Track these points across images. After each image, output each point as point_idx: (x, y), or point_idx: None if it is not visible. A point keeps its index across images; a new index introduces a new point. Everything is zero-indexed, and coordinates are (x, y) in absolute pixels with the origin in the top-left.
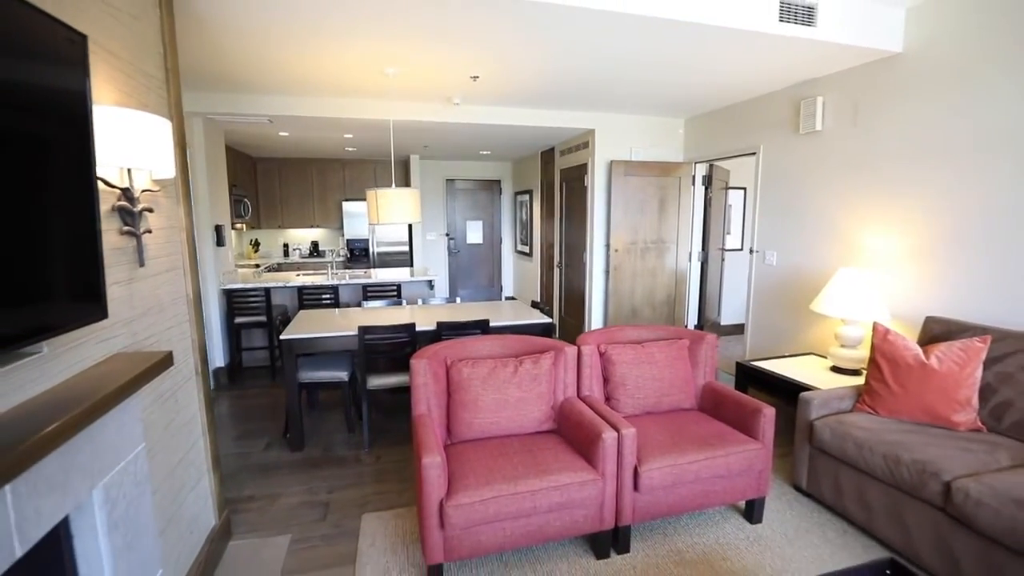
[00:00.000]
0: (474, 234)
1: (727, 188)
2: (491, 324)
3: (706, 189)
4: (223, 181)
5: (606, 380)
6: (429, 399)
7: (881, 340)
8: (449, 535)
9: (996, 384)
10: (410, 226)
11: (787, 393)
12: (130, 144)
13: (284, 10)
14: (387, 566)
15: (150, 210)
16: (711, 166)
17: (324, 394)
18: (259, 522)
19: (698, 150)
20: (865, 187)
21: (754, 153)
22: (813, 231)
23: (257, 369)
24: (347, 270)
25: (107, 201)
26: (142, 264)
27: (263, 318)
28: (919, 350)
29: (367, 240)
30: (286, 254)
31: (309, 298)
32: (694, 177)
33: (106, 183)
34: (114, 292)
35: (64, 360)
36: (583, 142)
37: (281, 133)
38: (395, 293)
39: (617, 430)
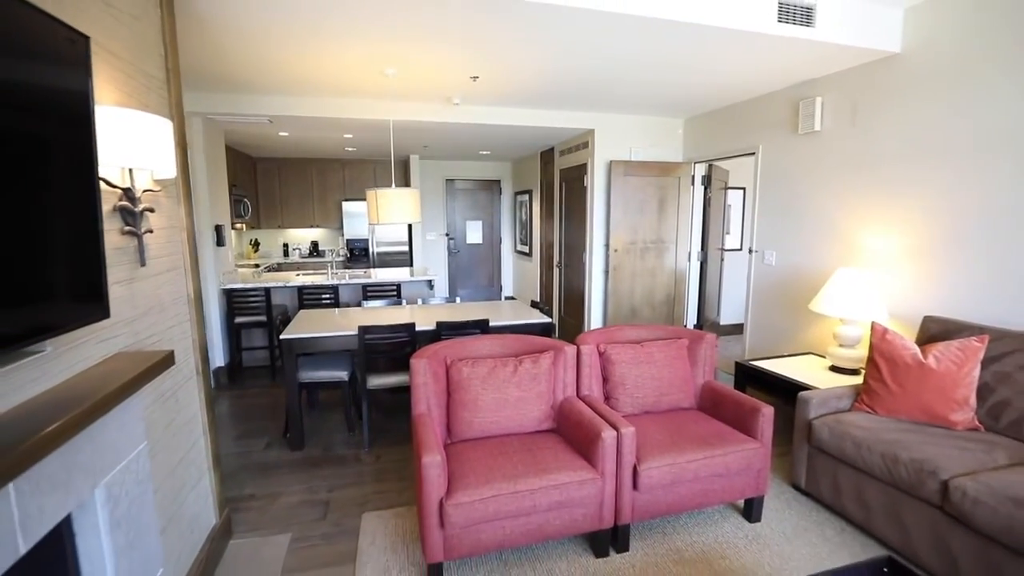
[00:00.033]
0: (474, 234)
1: (726, 188)
2: (491, 324)
3: (705, 189)
4: (223, 181)
5: (605, 379)
6: (429, 398)
7: (879, 340)
8: (449, 534)
9: (994, 383)
10: (410, 226)
11: (786, 392)
12: (131, 144)
13: (284, 10)
14: (387, 564)
15: (151, 210)
16: (710, 166)
17: (324, 394)
18: (259, 521)
19: (697, 150)
20: (864, 187)
21: (753, 153)
22: (812, 231)
23: (257, 369)
24: (347, 270)
25: (109, 201)
26: (143, 264)
27: (263, 318)
28: (917, 349)
29: (367, 240)
30: (286, 254)
31: (309, 298)
32: (693, 177)
33: (108, 183)
34: (116, 292)
35: (66, 359)
36: (583, 142)
37: (281, 133)
38: (395, 293)
39: (616, 429)
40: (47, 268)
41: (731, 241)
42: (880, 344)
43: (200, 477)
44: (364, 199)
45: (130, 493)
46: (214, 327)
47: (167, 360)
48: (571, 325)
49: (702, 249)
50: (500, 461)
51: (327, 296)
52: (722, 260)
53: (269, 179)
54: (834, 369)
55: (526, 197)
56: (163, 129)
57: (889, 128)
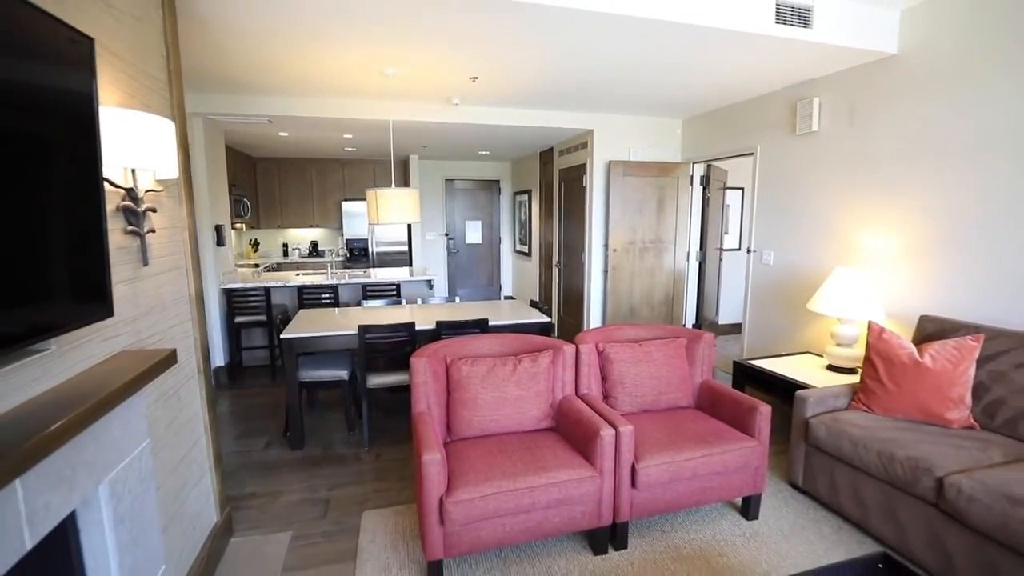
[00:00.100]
0: (473, 234)
1: (725, 188)
2: (490, 323)
3: (704, 189)
4: (223, 181)
5: (604, 378)
6: (429, 397)
7: (876, 339)
8: (449, 531)
9: (989, 382)
10: (409, 226)
11: (784, 391)
12: (134, 145)
13: (286, 11)
14: (387, 562)
15: (153, 210)
16: (709, 166)
17: (324, 393)
18: (260, 519)
19: (696, 150)
20: (861, 187)
21: (751, 153)
22: (810, 231)
23: (257, 368)
24: (346, 270)
25: (112, 201)
26: (146, 263)
27: (263, 317)
28: (913, 348)
29: (366, 240)
30: (285, 254)
31: (309, 297)
32: (692, 177)
33: (111, 183)
34: (119, 291)
35: (70, 358)
36: (582, 142)
37: (281, 133)
38: (394, 293)
39: (615, 427)
40: (53, 267)
41: (730, 241)
42: (877, 343)
43: (201, 475)
44: (364, 199)
45: (133, 490)
46: (214, 327)
47: (169, 359)
48: (570, 324)
49: (701, 249)
50: (499, 459)
51: (327, 296)
52: (720, 260)
53: (269, 179)
54: (831, 368)
55: (525, 197)
56: (165, 130)
57: (886, 128)
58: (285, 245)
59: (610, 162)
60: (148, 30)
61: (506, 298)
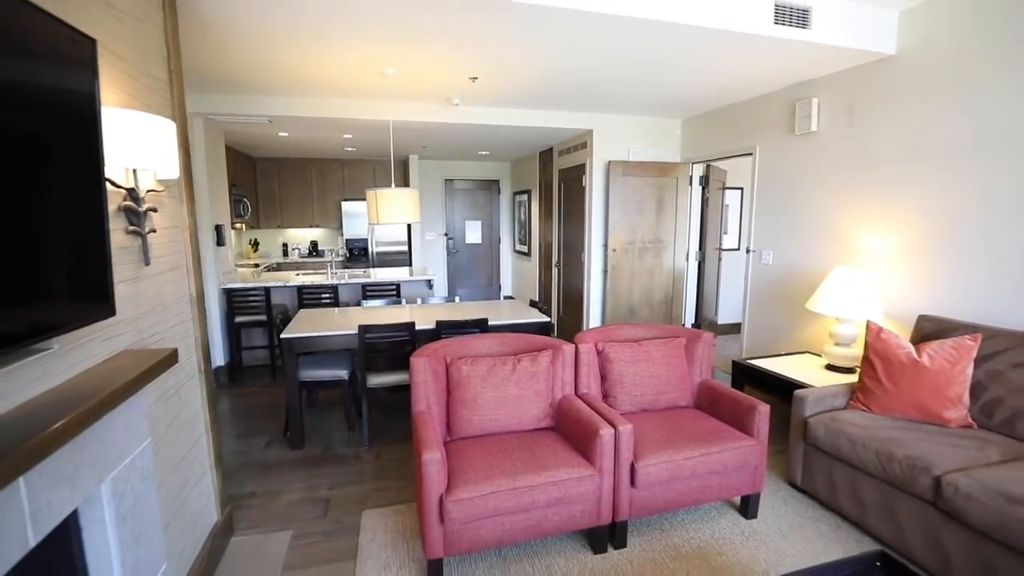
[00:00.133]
0: (473, 234)
1: (724, 188)
2: (490, 323)
3: (703, 189)
4: (223, 181)
5: (604, 378)
6: (429, 396)
7: (874, 338)
8: (449, 530)
9: (987, 381)
10: (409, 226)
11: (783, 391)
12: (136, 145)
13: (287, 11)
14: (387, 561)
15: (154, 210)
16: (708, 166)
17: (324, 393)
18: (261, 518)
19: (695, 150)
20: (860, 187)
21: (750, 154)
22: (809, 231)
23: (257, 368)
24: (346, 270)
25: (113, 201)
26: (147, 263)
27: (263, 317)
28: (911, 348)
29: (366, 240)
30: (285, 254)
31: (309, 297)
32: (691, 177)
33: (113, 183)
34: (120, 290)
35: (72, 357)
36: (581, 142)
37: (281, 133)
38: (394, 292)
39: (614, 427)
40: (56, 267)
41: (729, 241)
42: (875, 343)
43: (202, 474)
44: (363, 199)
45: (135, 489)
46: (214, 326)
47: (171, 358)
48: (570, 324)
49: (700, 249)
50: (499, 458)
51: (327, 296)
52: (720, 260)
53: (269, 179)
54: (830, 368)
55: (525, 197)
56: (166, 130)
57: (885, 129)
58: (285, 245)
59: (610, 162)
60: (149, 30)
61: (506, 298)
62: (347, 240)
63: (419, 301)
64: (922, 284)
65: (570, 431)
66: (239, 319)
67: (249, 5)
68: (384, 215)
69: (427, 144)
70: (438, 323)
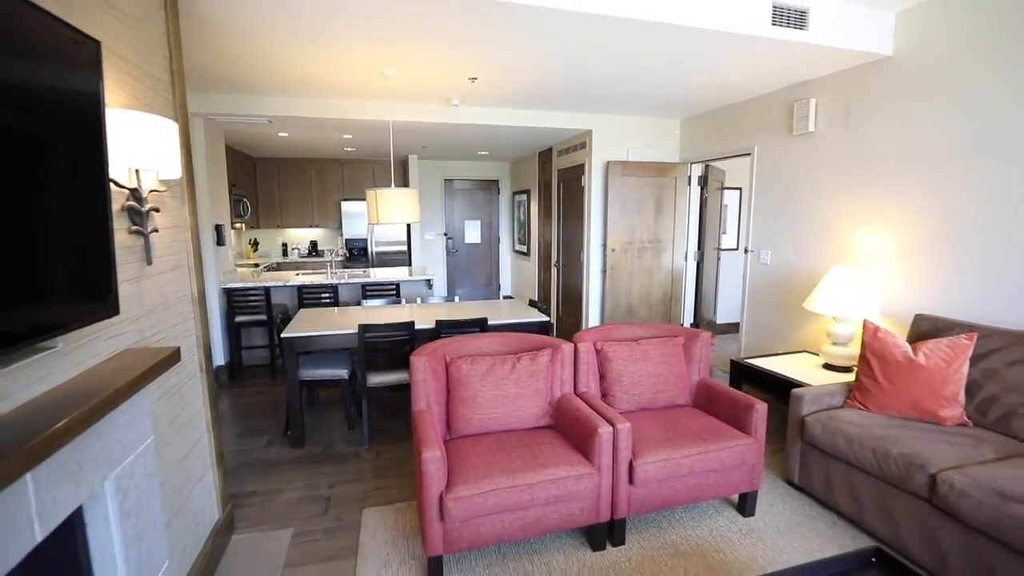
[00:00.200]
0: (472, 234)
1: (723, 188)
2: (489, 322)
3: (702, 189)
4: (223, 181)
5: (602, 377)
6: (429, 395)
7: (871, 337)
8: (449, 527)
9: (982, 380)
10: (408, 226)
11: (780, 390)
12: (138, 146)
13: (288, 12)
14: (388, 558)
15: (157, 210)
16: (707, 166)
17: (324, 392)
18: (261, 516)
19: (694, 151)
20: (857, 187)
21: (749, 154)
22: (806, 230)
23: (257, 368)
24: (346, 269)
25: (116, 201)
26: (149, 263)
27: (263, 317)
28: (908, 347)
29: (366, 240)
30: (285, 254)
31: (309, 297)
32: (690, 177)
33: (116, 184)
34: (123, 289)
35: (76, 355)
36: (580, 143)
37: (281, 133)
38: (394, 292)
39: (613, 425)
40: (62, 266)
41: (728, 241)
42: (872, 342)
43: (204, 472)
44: (363, 199)
45: (138, 486)
46: (214, 326)
47: (173, 357)
48: (569, 324)
49: (699, 249)
50: (499, 456)
51: (327, 295)
52: (718, 260)
53: (268, 179)
54: (827, 367)
55: (524, 197)
56: (169, 131)
57: (882, 129)
58: (284, 245)
59: (609, 162)
60: (151, 32)
61: (505, 298)
62: (347, 240)
63: (419, 301)
64: (919, 283)
65: (569, 429)
66: (239, 319)
67: (250, 6)
68: (384, 215)
69: (427, 144)
70: (438, 322)
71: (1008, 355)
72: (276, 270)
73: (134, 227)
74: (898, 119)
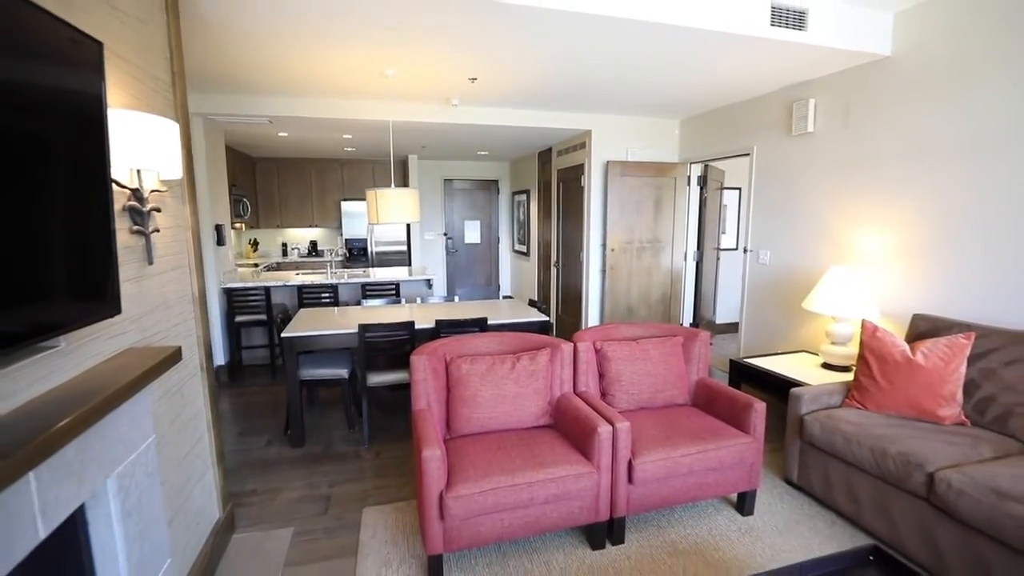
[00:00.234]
0: (472, 234)
1: (722, 188)
2: (489, 322)
3: (701, 189)
4: (223, 181)
5: (602, 376)
6: (429, 394)
7: (870, 337)
8: (449, 526)
9: (980, 379)
10: (408, 226)
11: (779, 389)
12: (140, 146)
13: (288, 13)
14: (388, 557)
15: (158, 210)
16: (706, 166)
17: (324, 392)
18: (262, 515)
19: (693, 151)
20: (856, 187)
21: (748, 154)
22: (805, 230)
23: (257, 367)
24: (345, 269)
25: (118, 201)
26: (151, 262)
27: (263, 317)
28: (906, 346)
29: (365, 240)
30: (285, 253)
31: (309, 297)
32: (689, 177)
33: (118, 184)
34: (125, 289)
35: (78, 354)
36: (580, 143)
37: (280, 133)
38: (394, 292)
39: (612, 424)
40: (67, 266)
41: (727, 241)
42: (870, 341)
43: (204, 472)
44: (363, 199)
45: (140, 485)
46: (215, 326)
47: (175, 356)
48: (568, 323)
49: (698, 248)
50: (498, 455)
51: (327, 295)
52: (718, 259)
53: (268, 179)
54: (826, 366)
55: (524, 197)
56: (170, 131)
57: (880, 129)
58: (284, 245)
59: (608, 162)
60: (152, 32)
61: (505, 297)
62: (346, 240)
63: (418, 300)
64: (917, 283)
65: (569, 429)
66: (239, 318)
67: (251, 7)
68: (384, 215)
69: (426, 144)
70: (437, 322)
71: (1006, 355)
72: (276, 270)
73: (135, 227)
74: (897, 119)
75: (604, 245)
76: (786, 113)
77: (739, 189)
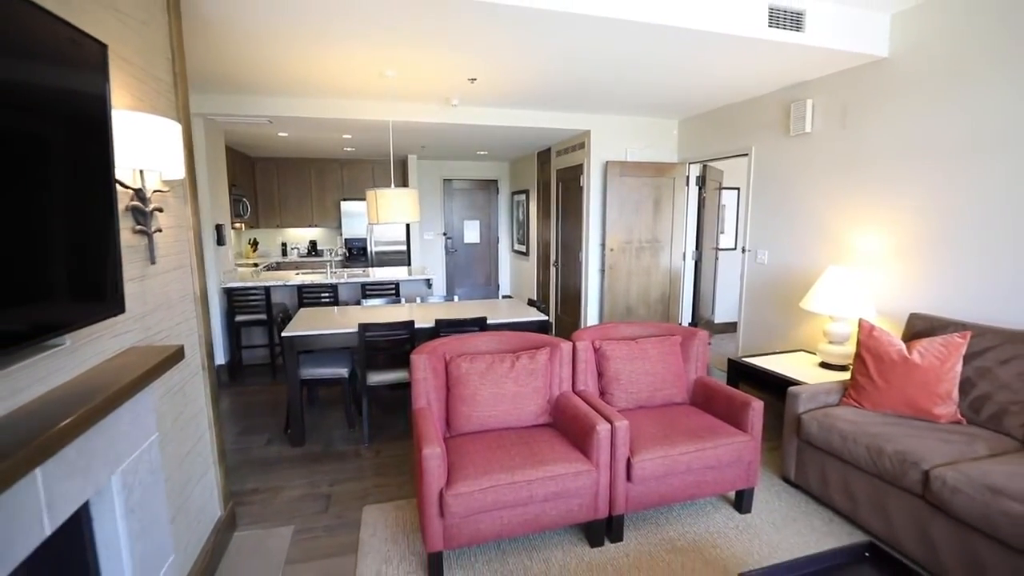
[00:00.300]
0: (471, 233)
1: (720, 188)
2: (488, 321)
3: (700, 189)
4: (223, 181)
5: (600, 375)
6: (429, 393)
7: (866, 336)
8: (449, 523)
9: (975, 378)
10: (408, 226)
11: (777, 388)
12: (143, 146)
13: (288, 14)
14: (388, 554)
15: (160, 210)
16: (704, 167)
17: (324, 391)
18: (263, 514)
19: (692, 151)
20: (853, 187)
21: (746, 154)
22: (803, 230)
23: (257, 367)
24: (345, 269)
25: (121, 201)
26: (153, 262)
27: (263, 316)
28: (902, 345)
29: (365, 239)
30: (284, 253)
31: (309, 296)
32: (688, 177)
33: (121, 184)
34: (128, 288)
35: (82, 353)
36: (579, 143)
37: (280, 133)
38: (394, 292)
39: (610, 422)
40: (72, 265)
41: (726, 240)
42: (867, 340)
43: (206, 470)
44: (362, 199)
45: (143, 482)
46: (215, 325)
47: (177, 355)
48: (567, 323)
49: (697, 248)
50: (498, 453)
51: (326, 295)
52: (716, 259)
53: (268, 179)
54: (824, 365)
55: (523, 197)
56: (172, 132)
57: (878, 130)
58: (284, 245)
59: (607, 162)
60: (154, 33)
61: (504, 297)
62: (346, 240)
63: (418, 300)
64: (914, 283)
65: (568, 427)
66: (239, 318)
67: (252, 7)
68: (384, 215)
69: (426, 144)
70: (437, 322)
71: (1001, 353)
72: (276, 270)
73: (138, 227)
74: (894, 120)
75: (603, 245)
76: (784, 114)
77: (737, 189)
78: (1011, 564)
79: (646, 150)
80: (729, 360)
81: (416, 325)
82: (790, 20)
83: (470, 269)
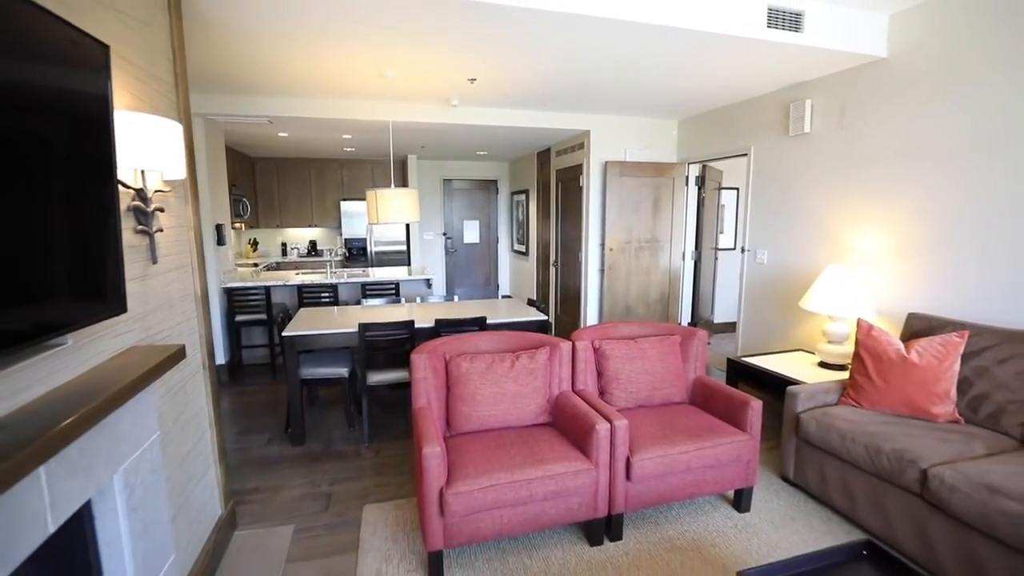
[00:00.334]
0: (471, 233)
1: (720, 188)
2: (488, 321)
3: (699, 189)
4: (223, 181)
5: (600, 374)
6: (429, 393)
7: (865, 336)
8: (449, 522)
9: (973, 377)
10: (408, 225)
11: (776, 388)
12: (144, 147)
13: (289, 14)
14: (388, 553)
15: (161, 210)
16: (704, 167)
17: (324, 390)
18: (263, 513)
19: (691, 151)
20: (852, 187)
21: (746, 154)
22: (803, 230)
23: (257, 367)
24: (345, 269)
25: (123, 201)
26: (155, 261)
27: (263, 316)
28: (901, 345)
29: (365, 239)
30: (284, 253)
31: (309, 296)
32: (687, 178)
33: (123, 184)
34: (130, 288)
35: (84, 353)
36: (579, 143)
37: (280, 133)
38: (393, 291)
39: (610, 421)
40: (75, 265)
41: (725, 240)
42: (866, 340)
43: (207, 469)
44: (362, 199)
45: (145, 481)
46: (215, 325)
47: (179, 354)
48: (567, 323)
49: (696, 248)
50: (498, 453)
51: (326, 295)
52: (716, 259)
53: (268, 179)
54: (822, 365)
55: (523, 197)
56: (173, 132)
57: (877, 130)
58: (284, 244)
59: (607, 162)
60: (155, 34)
61: (504, 297)
62: (346, 239)
63: (418, 300)
64: (913, 283)
65: (567, 426)
66: (239, 318)
67: (252, 8)
68: (384, 215)
69: (426, 144)
70: (437, 321)
71: (999, 353)
72: (276, 270)
73: (140, 227)
74: (893, 120)
75: (603, 245)
76: (783, 114)
77: (737, 189)
78: (1009, 563)
79: (645, 150)
80: (728, 360)
81: (416, 325)
82: (789, 21)
83: (470, 269)
